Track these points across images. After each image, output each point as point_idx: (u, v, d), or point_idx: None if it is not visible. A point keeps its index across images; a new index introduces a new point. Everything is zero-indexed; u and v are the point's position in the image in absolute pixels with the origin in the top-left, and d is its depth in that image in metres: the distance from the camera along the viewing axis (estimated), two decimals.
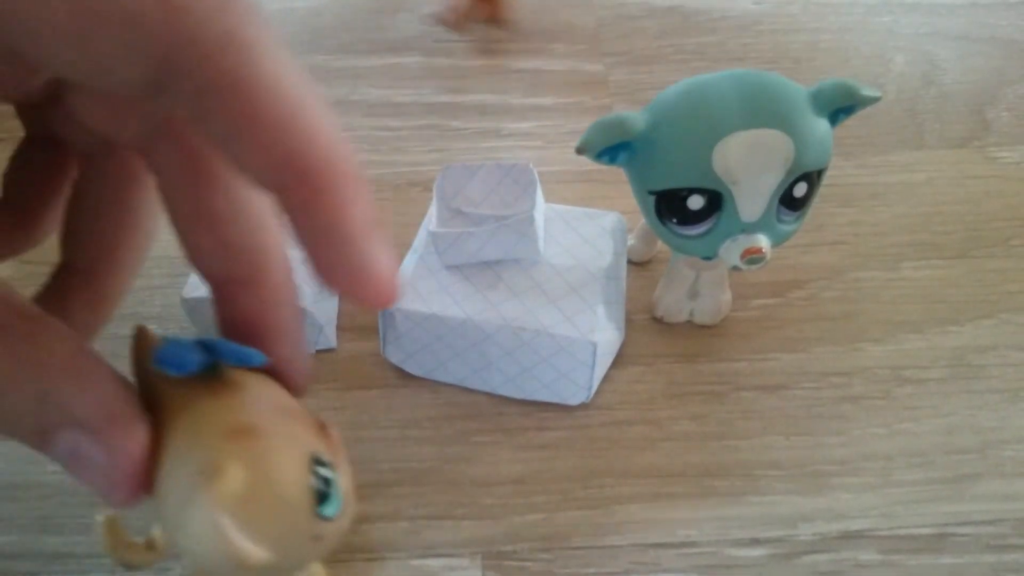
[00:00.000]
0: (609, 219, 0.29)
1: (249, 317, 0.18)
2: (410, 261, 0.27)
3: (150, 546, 0.20)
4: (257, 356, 0.17)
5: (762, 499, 0.25)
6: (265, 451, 0.16)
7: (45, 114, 0.18)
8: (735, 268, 0.24)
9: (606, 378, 0.27)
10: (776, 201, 0.23)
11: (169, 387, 0.17)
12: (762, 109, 0.22)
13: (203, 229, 0.17)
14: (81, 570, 0.23)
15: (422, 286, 0.26)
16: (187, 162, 0.16)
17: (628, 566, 0.23)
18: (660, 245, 0.31)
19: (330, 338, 0.29)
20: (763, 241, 0.24)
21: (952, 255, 0.31)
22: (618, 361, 0.28)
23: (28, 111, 0.18)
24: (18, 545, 0.24)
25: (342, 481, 0.17)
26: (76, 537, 0.24)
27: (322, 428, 0.17)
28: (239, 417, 0.16)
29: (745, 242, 0.24)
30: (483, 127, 0.38)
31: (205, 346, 0.17)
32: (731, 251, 0.24)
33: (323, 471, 0.16)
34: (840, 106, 0.23)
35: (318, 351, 0.28)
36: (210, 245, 0.17)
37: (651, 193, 0.24)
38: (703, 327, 0.29)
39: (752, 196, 0.23)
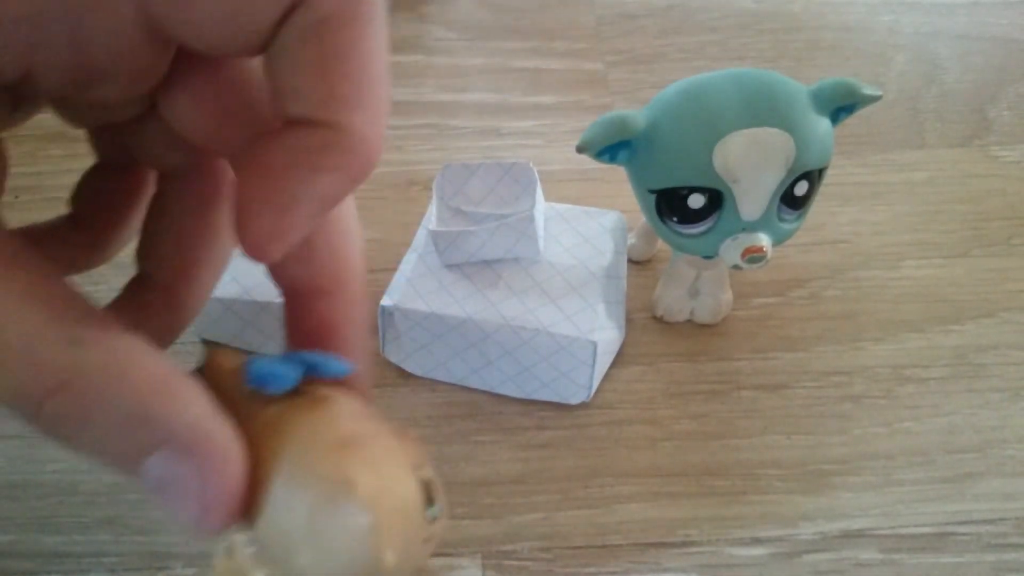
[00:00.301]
0: (609, 218, 0.28)
1: (325, 326, 0.18)
2: (410, 260, 0.27)
3: None
4: (347, 367, 0.17)
5: (763, 498, 0.24)
6: (378, 460, 0.16)
7: (127, 137, 0.18)
8: (736, 267, 0.24)
9: (606, 377, 0.27)
10: (777, 200, 0.23)
11: (254, 406, 0.16)
12: (763, 108, 0.22)
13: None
14: (80, 569, 0.23)
15: (422, 285, 0.26)
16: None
17: (628, 565, 0.23)
18: (660, 244, 0.31)
19: None
20: (764, 240, 0.24)
21: (953, 254, 0.31)
22: (618, 360, 0.28)
23: (105, 136, 0.19)
24: (17, 544, 0.24)
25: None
26: (75, 536, 0.24)
27: (404, 435, 0.18)
28: (343, 429, 0.16)
29: (746, 241, 0.24)
30: (483, 126, 0.38)
31: (297, 361, 0.17)
32: (731, 250, 0.24)
33: (423, 474, 0.17)
34: (841, 105, 0.23)
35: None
36: (296, 253, 0.17)
37: (651, 192, 0.24)
38: (703, 326, 0.29)
39: (753, 195, 0.23)
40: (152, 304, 0.18)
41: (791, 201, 0.24)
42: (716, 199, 0.23)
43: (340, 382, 0.17)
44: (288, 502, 0.15)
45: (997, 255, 0.31)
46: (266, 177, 0.15)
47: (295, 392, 0.17)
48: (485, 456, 0.26)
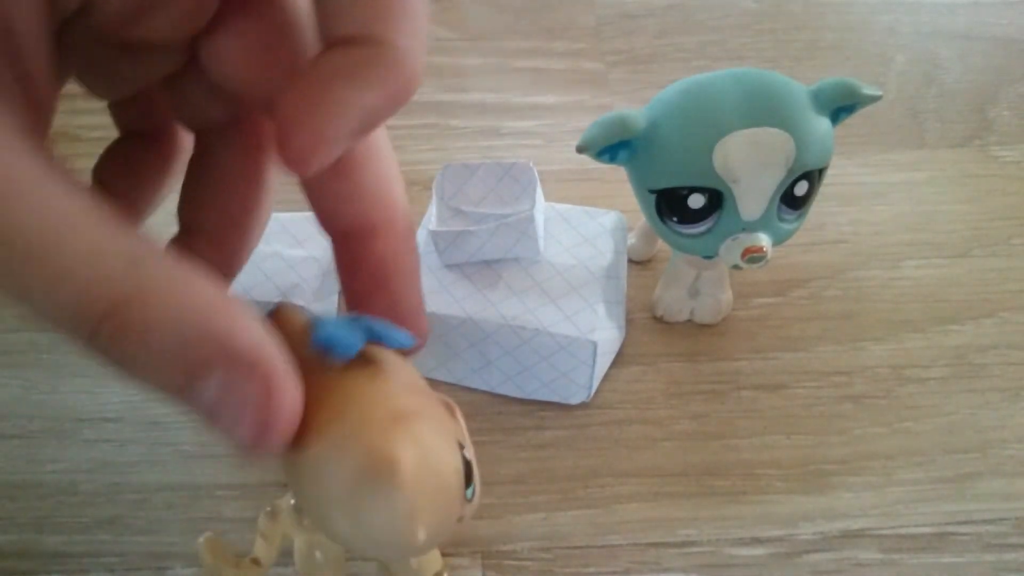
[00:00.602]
0: (609, 218, 0.28)
1: (379, 264, 0.18)
2: None
3: (255, 562, 0.21)
4: (411, 338, 0.18)
5: (763, 498, 0.24)
6: (427, 436, 0.16)
7: (169, 96, 0.18)
8: (736, 267, 0.24)
9: (606, 377, 0.27)
10: (777, 200, 0.23)
11: (315, 366, 0.16)
12: (763, 108, 0.22)
13: (342, 176, 0.17)
14: (80, 569, 0.23)
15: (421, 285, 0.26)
16: None
17: (628, 565, 0.23)
18: (660, 244, 0.31)
19: None
20: (764, 240, 0.24)
21: (953, 254, 0.31)
22: (618, 360, 0.28)
23: (130, 106, 0.19)
24: (17, 544, 0.24)
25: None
26: (75, 536, 0.24)
27: (450, 408, 0.18)
28: (396, 402, 0.16)
29: (746, 241, 0.24)
30: (483, 126, 0.38)
31: (362, 328, 0.17)
32: (731, 250, 0.24)
33: (465, 454, 0.17)
34: (841, 105, 0.23)
35: None
36: (347, 192, 0.17)
37: (651, 192, 0.24)
38: (703, 326, 0.29)
39: (753, 195, 0.23)
40: (201, 252, 0.18)
41: (791, 201, 0.24)
42: (716, 199, 0.23)
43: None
44: (334, 469, 0.16)
45: (997, 255, 0.31)
46: (308, 91, 0.15)
47: (355, 357, 0.17)
48: (485, 456, 0.25)
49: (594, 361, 0.25)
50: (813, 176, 0.24)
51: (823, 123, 0.23)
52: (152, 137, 0.20)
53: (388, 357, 0.17)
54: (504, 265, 0.27)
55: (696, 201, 0.23)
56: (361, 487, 0.15)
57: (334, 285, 0.30)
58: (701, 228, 0.24)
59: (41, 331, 0.29)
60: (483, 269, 0.26)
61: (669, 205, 0.24)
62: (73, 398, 0.27)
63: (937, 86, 0.39)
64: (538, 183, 0.27)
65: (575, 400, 0.26)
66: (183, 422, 0.27)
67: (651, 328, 0.29)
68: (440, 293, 0.26)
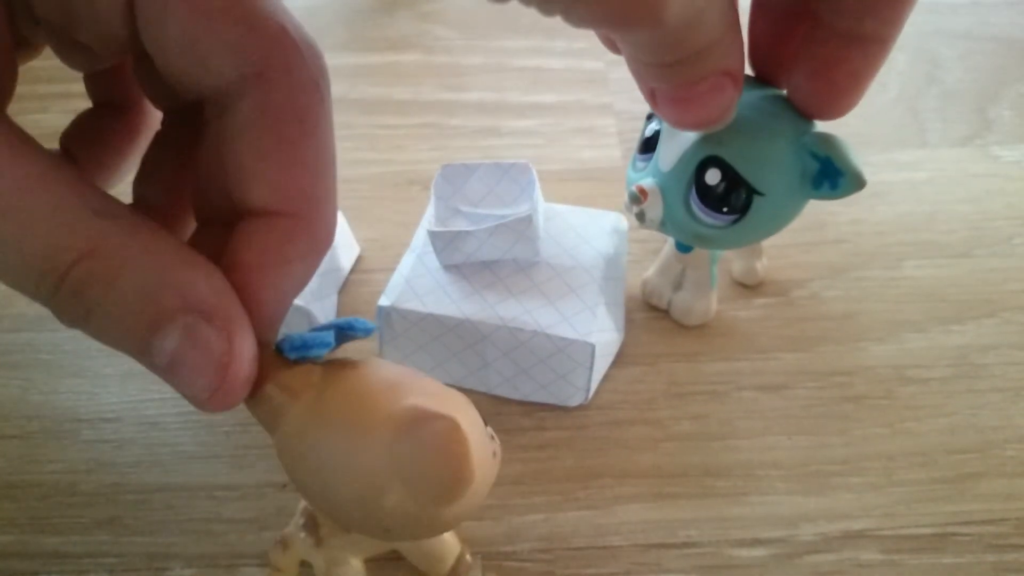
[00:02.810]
0: (609, 219, 0.28)
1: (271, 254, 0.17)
2: (408, 260, 0.27)
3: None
4: (372, 324, 0.18)
5: (763, 499, 0.24)
6: (430, 390, 0.17)
7: (127, 77, 0.19)
8: (625, 207, 0.24)
9: (606, 378, 0.27)
10: (691, 172, 0.22)
11: (292, 387, 0.17)
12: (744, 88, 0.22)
13: (274, 167, 0.17)
14: (79, 570, 0.23)
15: (420, 286, 0.26)
16: (278, 104, 0.16)
17: (628, 566, 0.23)
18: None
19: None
20: (648, 184, 0.23)
21: (954, 254, 0.31)
22: (618, 361, 0.28)
23: (101, 80, 0.20)
24: (16, 544, 0.24)
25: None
26: (74, 537, 0.24)
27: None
28: (388, 375, 0.17)
29: (641, 180, 0.23)
30: (482, 125, 0.37)
31: (326, 327, 0.18)
32: (631, 186, 0.24)
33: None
34: (815, 151, 0.21)
35: None
36: (275, 181, 0.17)
37: (646, 118, 0.25)
38: (704, 326, 0.29)
39: (668, 139, 0.23)
40: (293, 237, 0.18)
41: (701, 188, 0.22)
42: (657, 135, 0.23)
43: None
44: (362, 446, 0.16)
45: (998, 255, 0.31)
46: (250, 278, 0.16)
47: (329, 362, 0.17)
48: None
49: (592, 363, 0.25)
50: (731, 176, 0.22)
51: (782, 145, 0.22)
52: (122, 109, 0.20)
53: (362, 358, 0.18)
54: (502, 266, 0.26)
55: (650, 129, 0.24)
56: (400, 442, 0.16)
57: (333, 285, 0.30)
58: (644, 164, 0.24)
59: (40, 331, 0.29)
60: (481, 270, 0.26)
61: (642, 134, 0.25)
62: (72, 398, 0.27)
63: (938, 86, 0.39)
64: (537, 184, 0.27)
65: (573, 403, 0.26)
66: (183, 422, 0.27)
67: (651, 328, 0.29)
68: (438, 294, 0.26)
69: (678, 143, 0.23)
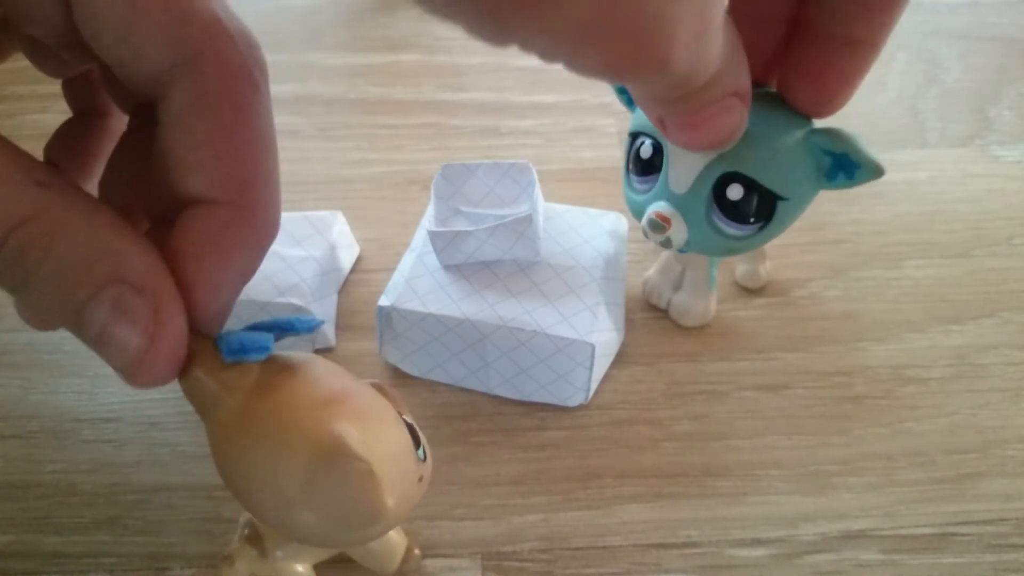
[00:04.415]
0: (609, 219, 0.28)
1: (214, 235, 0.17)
2: (408, 260, 0.27)
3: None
4: (318, 319, 0.18)
5: (763, 499, 0.24)
6: (362, 411, 0.17)
7: (92, 86, 0.20)
8: (644, 234, 0.24)
9: (606, 378, 0.27)
10: (708, 191, 0.22)
11: (228, 380, 0.17)
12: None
13: (208, 155, 0.17)
14: (79, 570, 0.23)
15: (420, 286, 0.26)
16: (211, 92, 0.16)
17: (628, 567, 0.23)
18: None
19: (329, 337, 0.29)
20: (667, 210, 0.23)
21: (954, 254, 0.31)
22: (618, 361, 0.28)
23: (74, 89, 0.20)
24: (16, 545, 0.24)
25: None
26: (74, 537, 0.24)
27: (379, 387, 0.18)
28: (323, 387, 0.17)
29: (657, 205, 0.23)
30: (482, 125, 0.37)
31: (266, 327, 0.17)
32: (647, 213, 0.23)
33: (405, 418, 0.18)
34: (830, 149, 0.22)
35: (316, 350, 0.28)
36: (210, 170, 0.17)
37: (628, 136, 0.24)
38: (704, 326, 0.29)
39: (679, 161, 0.22)
40: (234, 227, 0.19)
41: (725, 205, 0.22)
42: (660, 152, 0.23)
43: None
44: (282, 465, 0.16)
45: (998, 255, 0.31)
46: (187, 266, 0.16)
47: (270, 361, 0.17)
48: (485, 457, 0.26)
49: (592, 363, 0.25)
50: (753, 187, 0.22)
51: (795, 149, 0.22)
52: (99, 115, 0.21)
53: (303, 357, 0.18)
54: (502, 266, 0.26)
55: (646, 151, 0.23)
56: (315, 471, 0.16)
57: (333, 285, 0.30)
58: (647, 185, 0.24)
59: (40, 332, 0.29)
60: (481, 270, 0.26)
61: (631, 151, 0.24)
62: (72, 398, 0.27)
63: (938, 86, 0.39)
64: (537, 183, 0.27)
65: (573, 403, 0.26)
66: (183, 422, 0.27)
67: (651, 328, 0.29)
68: (438, 294, 0.26)
69: (690, 164, 0.22)
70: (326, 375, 0.17)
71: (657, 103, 0.19)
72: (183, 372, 0.17)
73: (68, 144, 0.20)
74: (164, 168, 0.17)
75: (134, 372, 0.16)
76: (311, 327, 0.18)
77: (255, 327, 0.18)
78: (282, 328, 0.18)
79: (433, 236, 0.26)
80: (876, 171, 0.22)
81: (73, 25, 0.16)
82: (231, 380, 0.17)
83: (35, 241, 0.14)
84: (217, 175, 0.16)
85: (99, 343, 0.15)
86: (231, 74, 0.16)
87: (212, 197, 0.17)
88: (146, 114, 0.19)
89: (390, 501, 0.16)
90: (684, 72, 0.16)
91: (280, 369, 0.17)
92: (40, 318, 0.18)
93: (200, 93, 0.16)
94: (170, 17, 0.16)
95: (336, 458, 0.15)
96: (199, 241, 0.16)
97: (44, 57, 0.19)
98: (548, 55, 0.15)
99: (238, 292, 0.18)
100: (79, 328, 0.15)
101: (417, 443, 0.18)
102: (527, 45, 0.15)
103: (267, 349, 0.17)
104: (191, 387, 0.17)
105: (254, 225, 0.17)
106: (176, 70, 0.16)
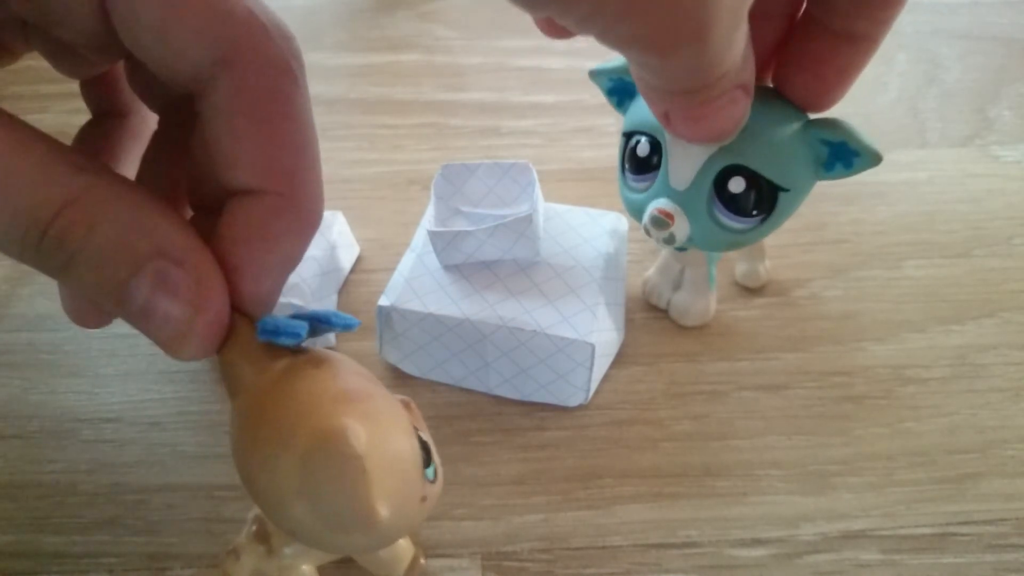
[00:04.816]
0: (609, 219, 0.28)
1: (260, 225, 0.17)
2: (408, 260, 0.27)
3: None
4: (355, 319, 0.18)
5: (763, 499, 0.24)
6: (375, 413, 0.16)
7: (120, 83, 0.20)
8: (647, 232, 0.24)
9: (606, 378, 0.27)
10: (709, 185, 0.22)
11: (265, 361, 0.17)
12: None
13: (252, 147, 0.17)
14: (79, 570, 0.23)
15: (419, 285, 0.26)
16: (251, 86, 0.17)
17: (628, 567, 0.23)
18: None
19: (329, 337, 0.29)
20: (670, 206, 0.23)
21: (954, 254, 0.31)
22: (618, 361, 0.28)
23: (95, 89, 0.21)
24: (16, 545, 0.24)
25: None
26: (74, 537, 0.24)
27: (405, 403, 0.18)
28: (343, 383, 0.17)
29: (659, 202, 0.23)
30: (482, 125, 0.37)
31: (305, 317, 0.17)
32: (649, 210, 0.23)
33: (422, 435, 0.17)
34: (828, 139, 0.22)
35: None
36: (254, 161, 0.17)
37: (622, 136, 0.24)
38: (703, 326, 0.29)
39: (679, 156, 0.22)
40: (279, 216, 0.19)
41: (726, 198, 0.23)
42: (657, 151, 0.23)
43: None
44: (285, 451, 0.16)
45: (998, 255, 0.31)
46: (235, 250, 0.17)
47: (302, 352, 0.17)
48: (485, 457, 0.26)
49: (592, 363, 0.25)
50: (754, 178, 0.22)
51: (794, 140, 0.22)
52: (120, 116, 0.21)
53: (336, 356, 0.18)
54: (502, 266, 0.26)
55: (643, 149, 0.23)
56: (311, 461, 0.15)
57: (333, 285, 0.30)
58: (644, 184, 0.24)
59: (40, 332, 0.29)
60: (481, 270, 0.26)
61: (625, 150, 0.24)
62: (72, 398, 0.27)
63: (938, 86, 0.39)
64: (537, 183, 0.27)
65: (573, 403, 0.26)
66: (183, 422, 0.27)
67: (651, 328, 0.29)
68: (438, 294, 0.26)
69: (690, 159, 0.22)
70: (352, 375, 0.17)
71: (669, 94, 0.19)
72: (222, 348, 0.17)
73: (91, 147, 0.21)
74: (206, 161, 0.17)
75: (177, 343, 0.16)
76: (347, 325, 0.18)
77: (295, 316, 0.18)
78: (319, 320, 0.18)
79: (433, 236, 0.26)
80: (874, 158, 0.22)
81: (106, 27, 0.16)
82: (260, 360, 0.17)
83: (77, 223, 0.15)
84: (261, 166, 0.17)
85: (142, 317, 0.16)
86: (270, 68, 0.16)
87: (257, 187, 0.17)
88: (179, 111, 0.19)
89: (383, 509, 0.15)
90: (714, 55, 0.17)
91: (308, 361, 0.17)
92: (79, 306, 0.18)
93: (241, 87, 0.16)
94: (208, 15, 0.16)
95: (333, 450, 0.15)
96: (246, 227, 0.17)
97: (64, 58, 0.19)
98: (585, 24, 0.15)
99: (285, 278, 0.18)
100: (121, 306, 0.16)
101: (428, 462, 0.17)
102: (565, 12, 0.15)
103: (299, 336, 0.17)
104: (227, 365, 0.17)
105: (299, 213, 0.17)
106: (216, 67, 0.16)
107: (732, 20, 0.16)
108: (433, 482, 0.17)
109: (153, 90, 0.20)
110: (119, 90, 0.21)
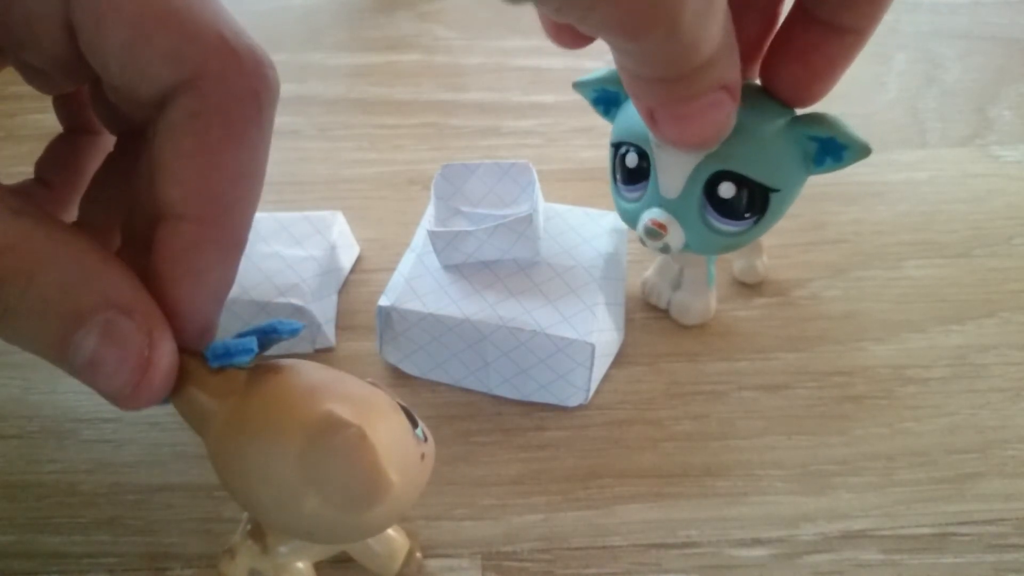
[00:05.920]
0: (609, 219, 0.28)
1: (186, 251, 0.17)
2: (408, 260, 0.27)
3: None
4: (299, 324, 0.18)
5: (763, 499, 0.24)
6: (351, 394, 0.17)
7: (92, 105, 0.20)
8: (642, 242, 0.24)
9: (606, 378, 0.27)
10: (700, 192, 0.22)
11: (219, 390, 0.17)
12: None
13: (190, 168, 0.17)
14: (79, 570, 0.23)
15: (420, 285, 0.26)
16: (206, 110, 0.16)
17: (628, 567, 0.23)
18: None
19: (329, 337, 0.29)
20: (663, 216, 0.23)
21: (954, 254, 0.31)
22: (618, 361, 0.28)
23: (66, 106, 0.20)
24: (16, 545, 0.24)
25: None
26: (74, 537, 0.24)
27: (372, 382, 0.18)
28: (309, 379, 0.17)
29: (652, 212, 0.23)
30: (482, 125, 0.37)
31: (250, 333, 0.18)
32: (642, 221, 0.24)
33: (400, 402, 0.18)
34: (815, 135, 0.22)
35: (317, 350, 0.28)
36: (188, 182, 0.17)
37: (611, 146, 0.24)
38: (703, 326, 0.29)
39: (668, 166, 0.22)
40: (202, 241, 0.19)
41: (717, 203, 0.23)
42: (646, 161, 0.23)
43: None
44: (277, 454, 0.16)
45: (998, 255, 0.31)
46: (167, 290, 0.17)
47: (257, 367, 0.17)
48: (484, 457, 0.26)
49: (592, 363, 0.25)
50: (743, 182, 0.22)
51: (781, 139, 0.22)
52: (89, 132, 0.21)
53: (289, 361, 0.18)
54: (502, 266, 0.26)
55: (632, 160, 0.23)
56: (309, 451, 0.15)
57: (333, 285, 0.30)
58: (636, 193, 0.24)
59: None
60: (481, 270, 0.26)
61: (616, 161, 0.24)
62: (72, 398, 0.27)
63: (937, 86, 0.39)
64: (537, 183, 0.27)
65: (573, 403, 0.26)
66: (183, 422, 0.26)
67: (651, 328, 0.29)
68: (438, 294, 0.26)
69: (679, 168, 0.22)
70: (313, 370, 0.17)
71: (651, 86, 0.19)
72: (175, 391, 0.17)
73: (59, 159, 0.21)
74: (146, 180, 0.17)
75: (128, 396, 0.16)
76: (293, 331, 0.18)
77: (239, 335, 0.18)
78: (264, 333, 0.18)
79: (433, 236, 0.26)
80: (863, 150, 0.22)
81: (74, 50, 0.16)
82: (220, 387, 0.17)
83: (16, 272, 0.14)
84: (192, 188, 0.16)
85: (89, 371, 0.15)
86: (231, 93, 0.16)
87: (181, 212, 0.17)
88: (136, 136, 0.19)
89: (393, 474, 0.16)
90: (688, 40, 0.17)
91: (267, 372, 0.17)
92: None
93: (197, 110, 0.16)
94: (175, 39, 0.16)
95: (327, 430, 0.15)
96: (173, 262, 0.17)
97: (35, 76, 0.19)
98: (563, 11, 0.15)
99: (220, 306, 0.18)
100: (65, 358, 0.15)
101: (415, 424, 0.18)
102: (544, 0, 0.15)
103: (251, 351, 0.17)
104: (185, 404, 0.17)
105: (220, 244, 0.17)
106: (178, 89, 0.16)
107: (702, 2, 0.16)
108: (425, 440, 0.18)
109: (115, 114, 0.19)
110: (89, 107, 0.21)
